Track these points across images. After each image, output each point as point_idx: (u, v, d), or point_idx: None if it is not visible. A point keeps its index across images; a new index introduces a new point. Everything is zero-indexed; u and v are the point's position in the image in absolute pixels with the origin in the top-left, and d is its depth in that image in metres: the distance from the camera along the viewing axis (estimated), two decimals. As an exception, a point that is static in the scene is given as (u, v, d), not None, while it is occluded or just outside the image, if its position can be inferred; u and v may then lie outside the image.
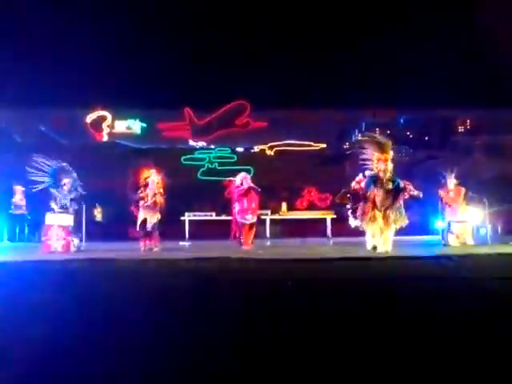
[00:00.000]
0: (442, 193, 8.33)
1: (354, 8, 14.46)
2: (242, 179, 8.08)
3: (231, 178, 14.42)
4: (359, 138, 7.70)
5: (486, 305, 2.90)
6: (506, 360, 1.81)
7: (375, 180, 6.73)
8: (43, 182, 7.70)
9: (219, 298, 3.23)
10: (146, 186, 7.86)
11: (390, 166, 6.79)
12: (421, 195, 6.97)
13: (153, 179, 7.90)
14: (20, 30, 12.81)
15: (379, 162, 6.79)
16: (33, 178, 7.69)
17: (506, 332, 2.19)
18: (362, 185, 7.00)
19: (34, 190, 7.82)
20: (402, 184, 6.78)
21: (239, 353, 1.95)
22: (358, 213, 6.87)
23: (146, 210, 7.83)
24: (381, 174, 6.72)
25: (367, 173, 6.98)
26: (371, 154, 6.94)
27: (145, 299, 3.26)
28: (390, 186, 6.68)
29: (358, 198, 7.00)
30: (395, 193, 6.69)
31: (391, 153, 6.88)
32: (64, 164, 7.88)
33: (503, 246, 7.42)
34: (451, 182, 8.27)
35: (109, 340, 2.14)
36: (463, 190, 8.28)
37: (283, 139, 15.75)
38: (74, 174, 7.86)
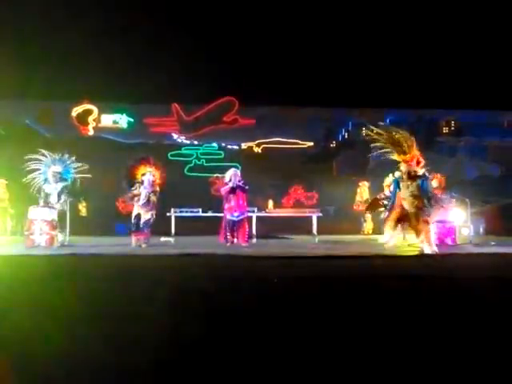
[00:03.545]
0: None
1: (345, 8, 14.55)
2: (231, 176, 8.05)
3: (218, 175, 14.42)
4: (375, 132, 6.83)
5: (466, 303, 2.97)
6: (486, 356, 1.86)
7: (397, 183, 6.43)
8: (38, 180, 7.69)
9: (205, 295, 3.24)
10: (142, 183, 7.85)
11: (414, 165, 6.39)
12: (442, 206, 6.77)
13: (148, 178, 7.87)
14: (7, 22, 12.56)
15: (401, 163, 6.46)
16: (30, 181, 7.66)
17: (484, 329, 2.25)
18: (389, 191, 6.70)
19: (34, 192, 7.74)
20: (426, 182, 6.43)
21: (226, 348, 1.97)
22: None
23: (139, 206, 7.83)
24: (404, 177, 6.41)
25: (396, 174, 6.66)
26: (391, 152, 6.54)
27: (130, 294, 3.25)
28: (414, 186, 6.34)
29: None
30: (421, 191, 6.34)
31: (415, 151, 6.42)
32: (62, 156, 7.84)
33: (485, 246, 7.57)
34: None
35: (94, 335, 2.13)
36: (440, 192, 8.49)
37: (271, 137, 15.78)
38: (68, 162, 7.83)
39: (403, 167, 6.48)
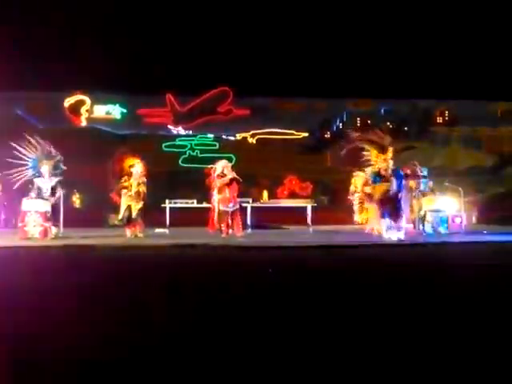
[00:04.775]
0: (411, 183, 8.57)
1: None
2: (223, 167, 8.06)
3: (213, 166, 14.26)
4: (355, 137, 7.65)
5: (459, 291, 3.01)
6: (480, 344, 1.89)
7: (378, 175, 6.98)
8: (25, 174, 7.59)
9: (201, 285, 3.26)
10: (130, 175, 7.84)
11: (391, 162, 6.97)
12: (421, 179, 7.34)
13: (137, 170, 7.87)
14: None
15: (378, 159, 6.99)
16: (15, 173, 7.56)
17: (476, 316, 2.29)
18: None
19: (16, 186, 7.64)
20: (401, 172, 7.12)
21: (223, 338, 1.99)
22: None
23: (129, 199, 7.83)
24: (382, 172, 6.92)
25: (369, 170, 7.23)
26: (371, 153, 7.10)
27: (126, 285, 3.25)
28: (392, 179, 6.88)
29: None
30: (397, 184, 6.91)
31: (391, 149, 7.03)
32: (46, 148, 7.73)
33: (477, 235, 7.64)
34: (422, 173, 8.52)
35: (90, 327, 2.14)
36: (431, 182, 8.56)
37: (265, 127, 15.73)
38: (58, 157, 7.74)
39: (381, 163, 6.93)
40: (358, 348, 1.81)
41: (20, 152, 7.59)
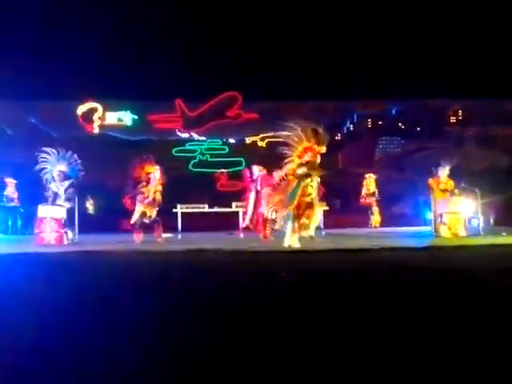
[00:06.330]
0: (432, 182, 8.37)
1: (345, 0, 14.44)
2: (260, 170, 8.29)
3: (223, 170, 14.30)
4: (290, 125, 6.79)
5: (477, 295, 2.95)
6: (493, 347, 1.84)
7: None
8: (45, 169, 7.70)
9: (213, 290, 3.25)
10: (148, 181, 7.94)
11: (318, 160, 6.48)
12: None
13: (155, 175, 7.97)
14: (10, 21, 12.58)
15: (308, 152, 6.43)
16: (38, 167, 7.70)
17: (496, 322, 2.23)
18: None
19: (44, 176, 7.76)
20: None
21: (235, 345, 1.96)
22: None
23: (144, 205, 7.92)
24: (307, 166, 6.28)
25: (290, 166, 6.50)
26: (298, 141, 6.50)
27: (141, 291, 3.25)
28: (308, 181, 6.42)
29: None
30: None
31: (308, 153, 6.50)
32: (65, 154, 7.86)
33: (495, 237, 7.50)
34: (444, 173, 8.31)
35: (104, 333, 2.14)
36: (452, 182, 8.37)
37: (275, 130, 15.72)
38: (72, 160, 7.85)
39: (308, 156, 6.53)
40: (374, 355, 1.78)
41: (41, 157, 7.74)
